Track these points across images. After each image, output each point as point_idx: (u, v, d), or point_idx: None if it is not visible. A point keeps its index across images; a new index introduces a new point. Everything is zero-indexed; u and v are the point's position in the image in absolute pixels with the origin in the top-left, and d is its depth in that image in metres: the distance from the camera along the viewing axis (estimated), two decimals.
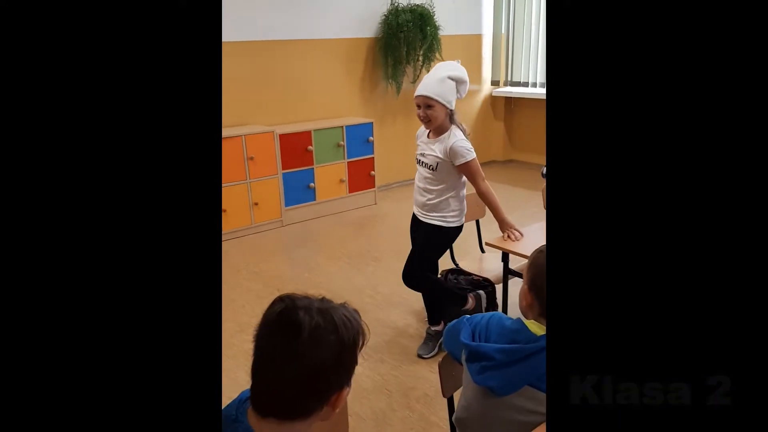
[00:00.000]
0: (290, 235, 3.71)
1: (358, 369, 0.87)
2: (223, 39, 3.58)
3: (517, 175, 4.99)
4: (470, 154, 2.02)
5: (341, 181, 4.06)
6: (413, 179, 2.25)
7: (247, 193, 3.60)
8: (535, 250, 1.11)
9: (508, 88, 5.19)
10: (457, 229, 2.17)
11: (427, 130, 2.12)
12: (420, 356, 2.24)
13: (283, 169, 3.74)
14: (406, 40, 4.20)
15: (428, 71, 2.72)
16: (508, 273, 2.12)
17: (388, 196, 4.45)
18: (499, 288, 2.26)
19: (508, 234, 2.09)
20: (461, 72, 2.04)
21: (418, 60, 4.35)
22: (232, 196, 3.54)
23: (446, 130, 2.04)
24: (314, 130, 3.84)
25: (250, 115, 3.82)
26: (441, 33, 4.37)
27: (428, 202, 2.13)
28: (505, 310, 2.23)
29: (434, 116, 2.01)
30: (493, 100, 5.29)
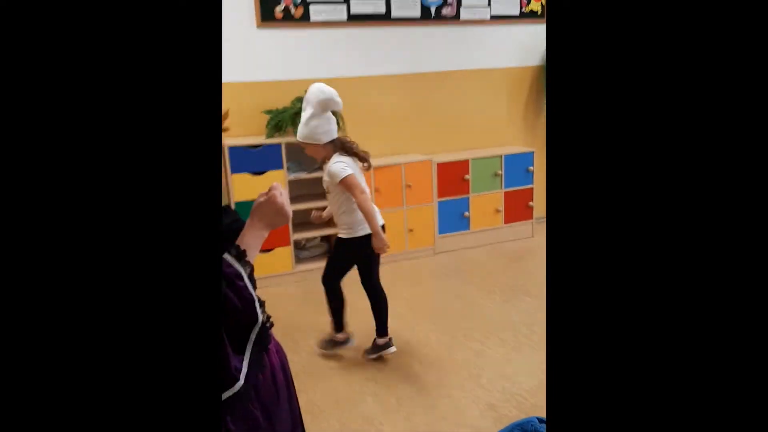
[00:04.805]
0: (442, 263, 3.68)
1: None
2: (381, 72, 3.75)
3: None
4: (344, 171, 2.18)
5: (497, 211, 3.94)
6: None
7: (403, 220, 3.67)
8: None
9: None
10: (361, 239, 2.31)
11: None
12: None
13: (438, 197, 3.75)
14: None
15: None
16: None
17: None
18: None
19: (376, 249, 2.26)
20: (314, 102, 2.11)
21: None
22: (389, 222, 3.61)
23: (329, 159, 2.26)
24: (472, 159, 3.80)
25: (409, 145, 3.92)
26: None
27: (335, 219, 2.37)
28: None
29: (312, 154, 2.29)
30: None
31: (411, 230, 3.70)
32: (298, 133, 2.23)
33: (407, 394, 2.17)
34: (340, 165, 2.20)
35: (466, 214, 3.85)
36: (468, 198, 3.85)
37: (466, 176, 3.79)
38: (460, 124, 4.05)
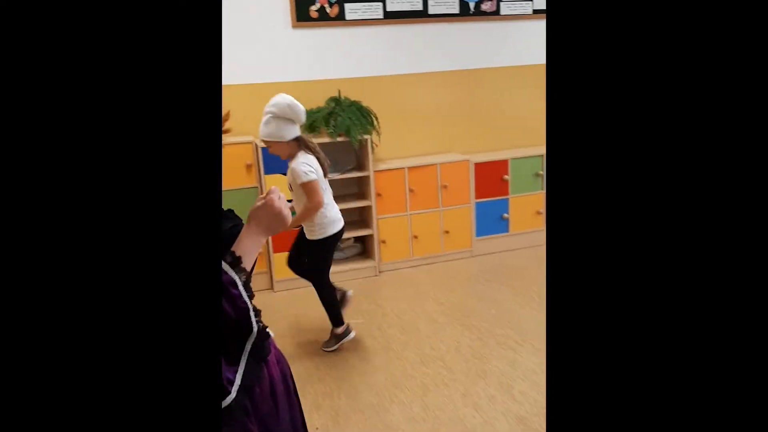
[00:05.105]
0: (479, 266, 3.57)
1: None
2: (418, 70, 3.66)
3: None
4: (307, 176, 2.24)
5: (538, 213, 3.79)
6: None
7: (438, 221, 3.59)
8: None
9: None
10: (328, 239, 2.39)
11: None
12: None
13: (476, 198, 3.64)
14: None
15: None
16: None
17: None
18: None
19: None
20: (277, 105, 2.18)
21: None
22: (424, 223, 3.56)
23: (294, 156, 2.31)
24: (511, 159, 3.67)
25: (445, 144, 3.83)
26: None
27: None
28: None
29: (277, 152, 2.31)
30: None
31: (447, 232, 3.61)
32: (261, 133, 2.27)
33: (435, 403, 2.08)
34: (306, 167, 2.27)
35: (505, 215, 3.72)
36: (507, 199, 3.72)
37: (505, 176, 3.66)
38: (499, 122, 3.92)
